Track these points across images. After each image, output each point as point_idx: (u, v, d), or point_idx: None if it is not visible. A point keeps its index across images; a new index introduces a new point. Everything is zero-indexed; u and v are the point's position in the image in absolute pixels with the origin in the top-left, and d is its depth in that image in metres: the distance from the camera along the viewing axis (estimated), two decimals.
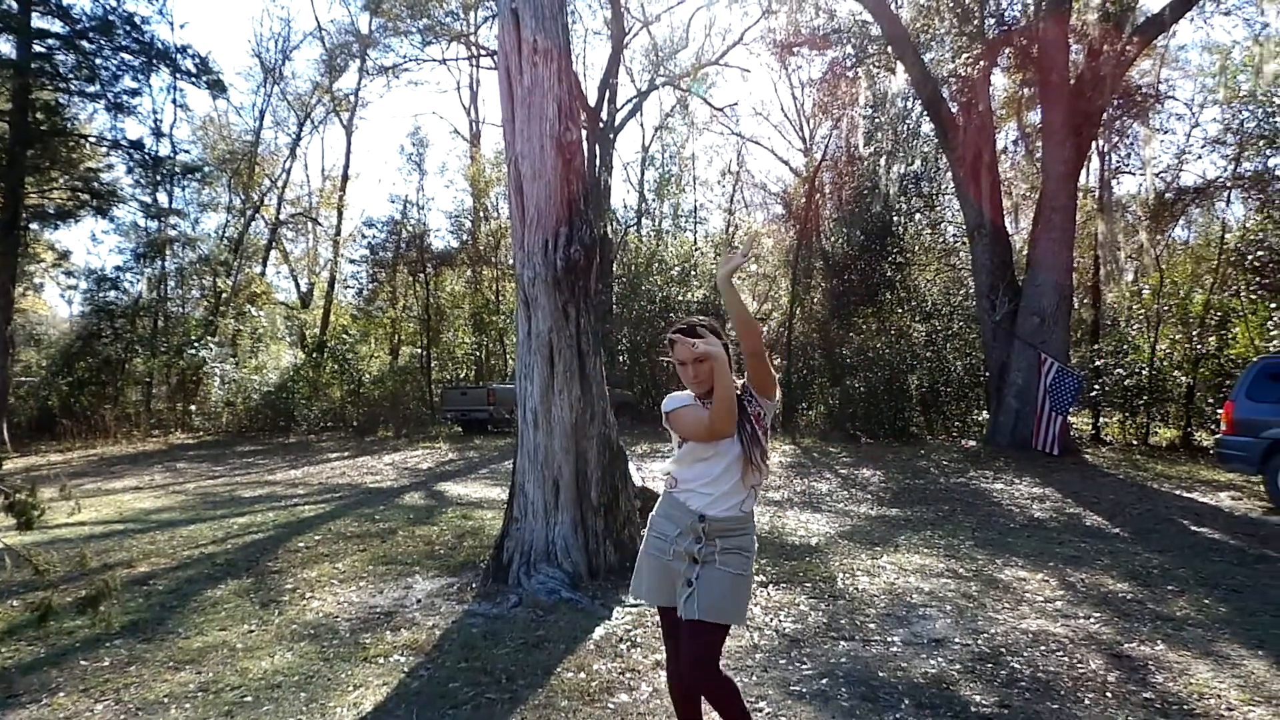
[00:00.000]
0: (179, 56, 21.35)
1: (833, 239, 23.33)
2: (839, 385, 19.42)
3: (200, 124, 31.39)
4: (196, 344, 23.57)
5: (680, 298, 23.54)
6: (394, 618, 5.32)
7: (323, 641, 4.88)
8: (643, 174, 30.76)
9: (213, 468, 14.34)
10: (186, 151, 27.41)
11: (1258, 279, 16.99)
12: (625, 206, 30.87)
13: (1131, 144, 19.25)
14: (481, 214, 28.18)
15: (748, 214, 31.90)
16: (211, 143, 30.85)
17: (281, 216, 31.63)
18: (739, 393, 2.89)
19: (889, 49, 17.19)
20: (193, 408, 23.40)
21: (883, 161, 20.30)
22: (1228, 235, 18.64)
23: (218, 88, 22.46)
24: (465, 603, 5.64)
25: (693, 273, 24.82)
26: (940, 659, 4.53)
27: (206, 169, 27.00)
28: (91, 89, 20.43)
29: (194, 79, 21.90)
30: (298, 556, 7.00)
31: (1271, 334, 16.34)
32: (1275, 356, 10.69)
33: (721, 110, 30.62)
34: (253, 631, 5.08)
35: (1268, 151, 17.24)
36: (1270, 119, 16.92)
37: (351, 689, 4.16)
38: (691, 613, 2.78)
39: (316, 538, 7.77)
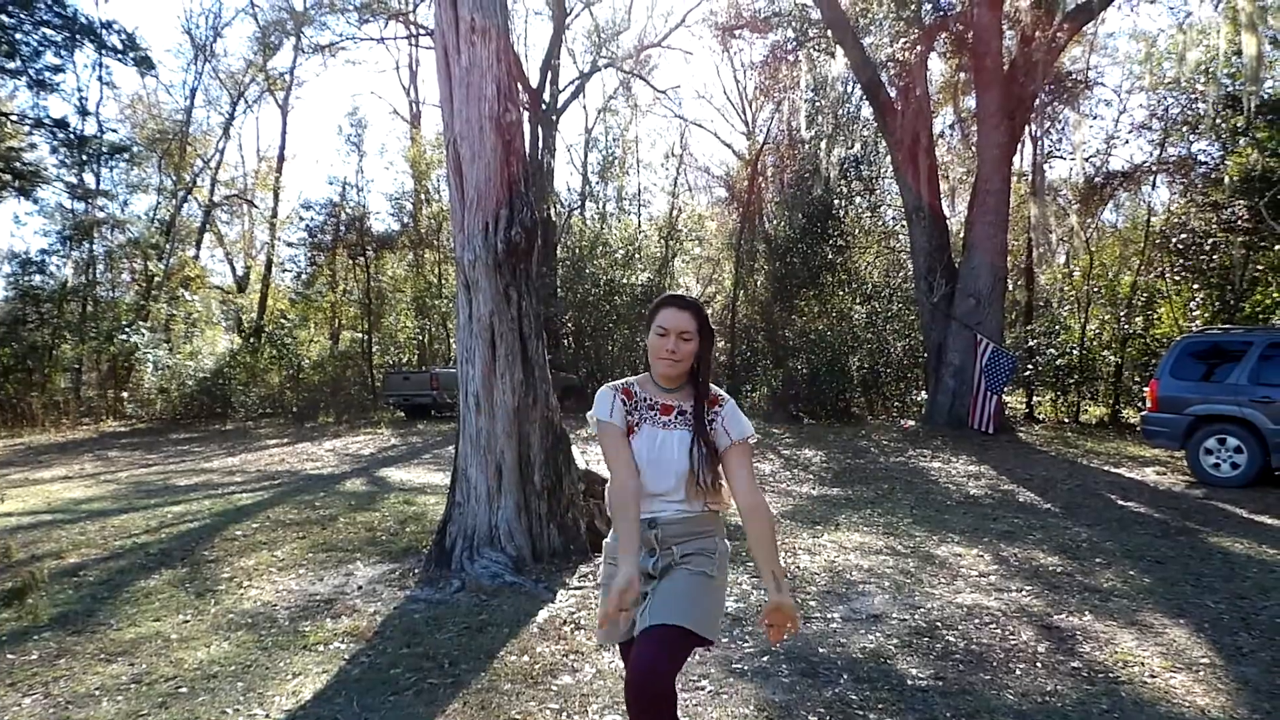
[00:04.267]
0: (104, 32, 20.54)
1: (775, 222, 23.51)
2: (781, 367, 19.62)
3: (128, 102, 30.25)
4: (128, 329, 22.85)
5: (624, 280, 23.53)
6: (334, 605, 5.26)
7: (261, 630, 4.80)
8: (586, 156, 30.57)
9: (146, 456, 13.97)
10: (114, 131, 26.41)
11: (1180, 261, 17.55)
12: (569, 189, 30.69)
13: (1063, 129, 19.70)
14: (423, 196, 27.70)
15: (691, 197, 31.93)
16: (140, 122, 29.76)
17: (215, 198, 30.70)
18: (718, 402, 2.57)
19: (829, 33, 17.29)
20: (125, 395, 22.74)
21: (823, 145, 20.43)
22: (1153, 219, 19.22)
23: (145, 65, 21.66)
24: (407, 588, 5.59)
25: (637, 256, 24.81)
26: (878, 634, 4.63)
27: (135, 149, 26.08)
28: (11, 65, 19.59)
29: (120, 55, 21.12)
30: (235, 545, 6.87)
31: (1194, 314, 16.95)
32: (1196, 336, 11.08)
33: (664, 93, 30.56)
34: (188, 621, 4.97)
35: (1191, 137, 17.78)
36: (1193, 105, 17.45)
37: (291, 677, 4.11)
38: (644, 621, 2.36)
39: (254, 526, 7.63)
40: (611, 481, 2.55)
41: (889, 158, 18.15)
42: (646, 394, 2.56)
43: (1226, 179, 16.05)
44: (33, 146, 21.57)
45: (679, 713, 2.45)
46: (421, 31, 26.95)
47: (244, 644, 4.58)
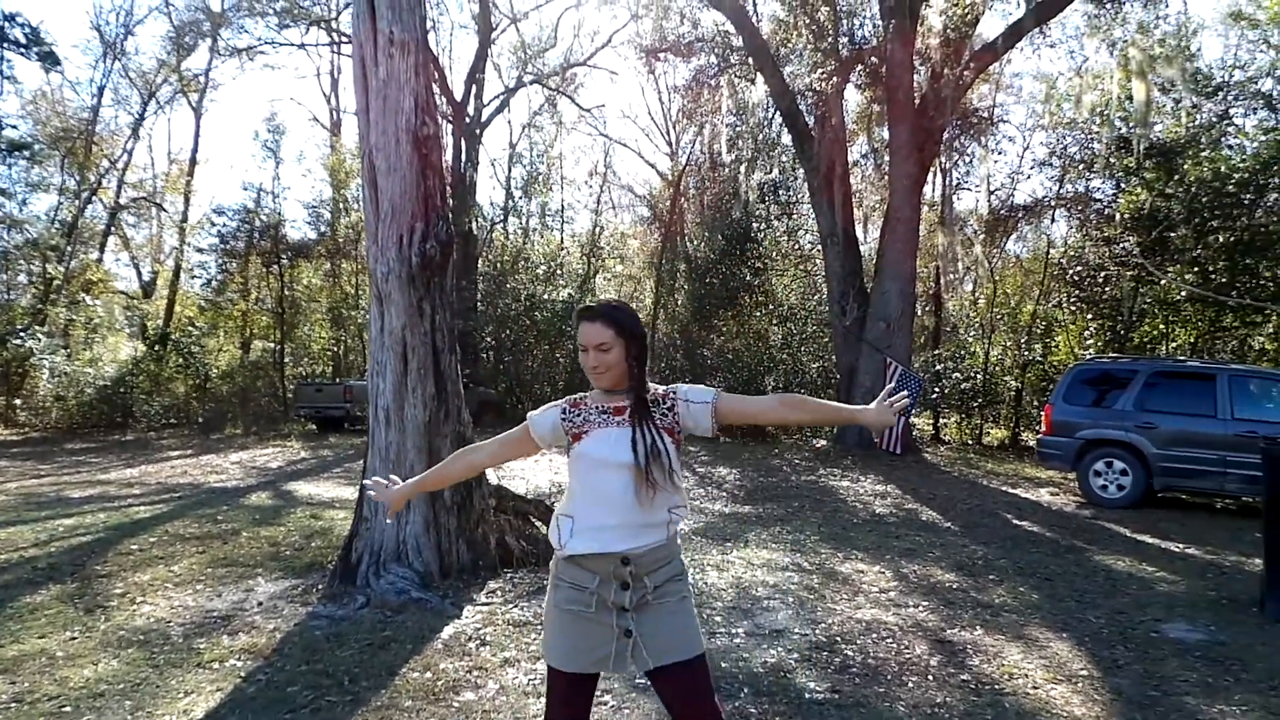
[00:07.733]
0: (6, 25, 19.81)
1: (695, 243, 23.83)
2: (699, 385, 19.83)
3: (30, 98, 29.03)
4: (22, 334, 21.82)
5: (546, 296, 23.52)
6: (232, 621, 5.13)
7: (153, 648, 4.66)
8: (510, 171, 30.45)
9: (38, 466, 13.36)
10: (14, 127, 25.18)
11: (1076, 291, 18.39)
12: (491, 203, 30.51)
13: (969, 162, 20.53)
14: (341, 205, 27.20)
15: (614, 215, 32.16)
16: (43, 118, 28.54)
17: (122, 200, 29.64)
18: (669, 396, 2.54)
19: (750, 60, 17.67)
20: (17, 402, 21.69)
21: (743, 169, 20.86)
22: (1052, 251, 20.12)
23: (50, 60, 20.90)
24: (310, 605, 5.49)
25: (559, 272, 24.83)
26: (780, 649, 4.74)
27: (36, 146, 24.99)
28: None
29: (23, 50, 20.36)
30: (129, 559, 6.64)
31: (1087, 342, 17.76)
32: (1088, 364, 11.64)
33: (589, 111, 30.70)
34: (75, 639, 4.79)
35: (1087, 174, 18.70)
36: (1089, 144, 18.37)
37: (182, 695, 4.00)
38: (661, 659, 2.35)
39: (151, 540, 7.38)
40: (479, 449, 2.75)
41: (806, 184, 18.59)
42: (598, 402, 2.51)
43: (1118, 215, 16.90)
44: None
45: None
46: (343, 39, 26.54)
47: (134, 662, 4.44)
